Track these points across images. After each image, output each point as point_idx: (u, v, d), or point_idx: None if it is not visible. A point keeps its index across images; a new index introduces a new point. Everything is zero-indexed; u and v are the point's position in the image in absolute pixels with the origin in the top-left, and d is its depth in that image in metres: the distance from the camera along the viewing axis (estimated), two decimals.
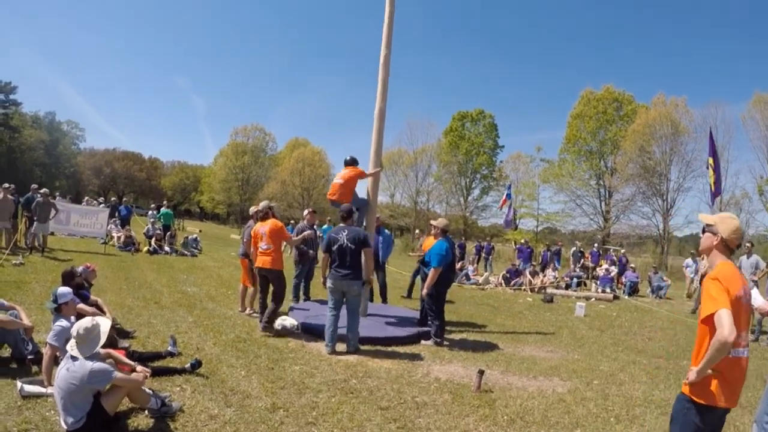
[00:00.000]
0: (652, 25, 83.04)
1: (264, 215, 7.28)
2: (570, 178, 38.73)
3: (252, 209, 8.32)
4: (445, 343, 7.22)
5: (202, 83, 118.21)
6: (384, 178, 41.53)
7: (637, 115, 35.04)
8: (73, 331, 3.63)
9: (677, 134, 32.41)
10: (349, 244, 6.27)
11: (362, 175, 8.02)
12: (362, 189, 8.39)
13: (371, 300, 9.10)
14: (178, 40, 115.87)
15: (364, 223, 8.11)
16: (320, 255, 7.20)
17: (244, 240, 8.32)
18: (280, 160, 59.01)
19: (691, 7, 79.23)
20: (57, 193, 23.15)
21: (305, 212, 10.06)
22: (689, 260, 17.99)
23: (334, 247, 6.31)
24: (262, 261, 6.98)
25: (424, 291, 7.26)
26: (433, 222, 7.93)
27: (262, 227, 7.10)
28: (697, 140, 31.78)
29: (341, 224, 6.61)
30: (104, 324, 3.76)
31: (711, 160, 13.62)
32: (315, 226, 10.03)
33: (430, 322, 7.25)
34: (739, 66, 75.03)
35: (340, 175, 8.02)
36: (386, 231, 10.82)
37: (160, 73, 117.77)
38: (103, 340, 3.68)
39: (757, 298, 3.85)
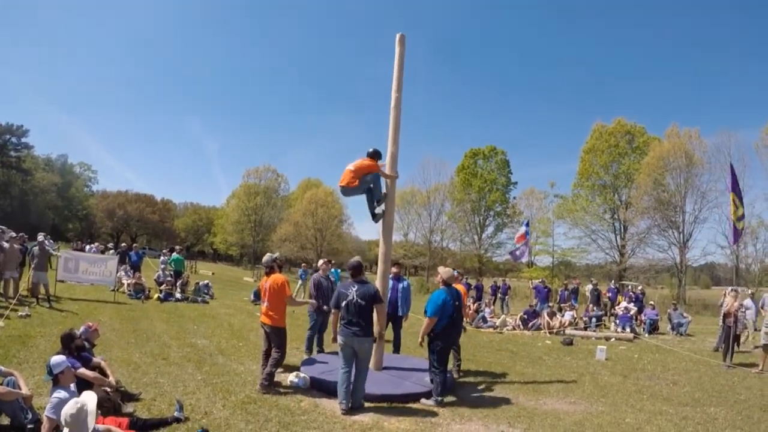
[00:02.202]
0: (661, 55, 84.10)
1: (269, 270, 6.91)
2: (584, 213, 38.52)
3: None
4: (445, 400, 6.73)
5: (213, 124, 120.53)
6: (397, 218, 41.44)
7: (649, 148, 35.00)
8: (62, 419, 3.45)
9: (691, 166, 32.25)
10: (359, 300, 6.08)
11: (375, 167, 7.75)
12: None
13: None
14: (190, 81, 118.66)
15: (377, 209, 7.95)
16: None
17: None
18: (293, 201, 59.48)
19: (697, 34, 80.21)
20: (48, 236, 22.99)
21: (320, 262, 9.91)
22: (748, 301, 14.76)
23: (344, 303, 6.15)
24: (263, 318, 6.79)
25: (418, 340, 6.98)
26: (439, 269, 7.50)
27: (265, 283, 6.80)
28: (711, 171, 31.69)
29: (351, 279, 6.41)
30: (91, 401, 3.59)
31: (733, 196, 11.58)
32: (330, 272, 9.77)
33: (431, 378, 6.88)
34: (749, 91, 75.51)
35: (352, 163, 7.76)
36: (406, 281, 9.87)
37: (172, 114, 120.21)
38: (92, 418, 3.50)
39: None
